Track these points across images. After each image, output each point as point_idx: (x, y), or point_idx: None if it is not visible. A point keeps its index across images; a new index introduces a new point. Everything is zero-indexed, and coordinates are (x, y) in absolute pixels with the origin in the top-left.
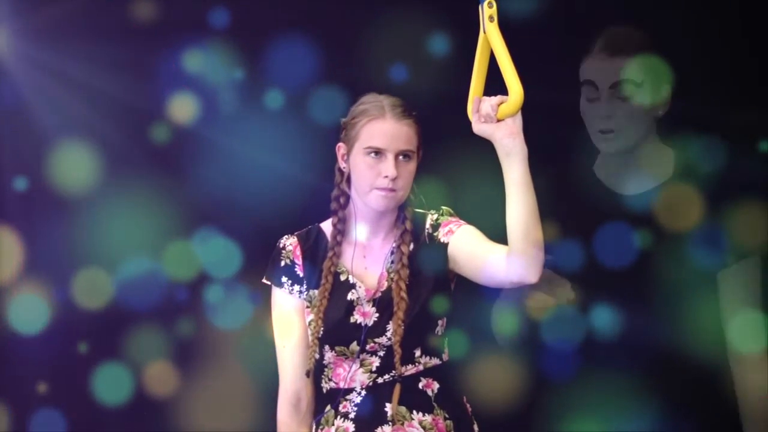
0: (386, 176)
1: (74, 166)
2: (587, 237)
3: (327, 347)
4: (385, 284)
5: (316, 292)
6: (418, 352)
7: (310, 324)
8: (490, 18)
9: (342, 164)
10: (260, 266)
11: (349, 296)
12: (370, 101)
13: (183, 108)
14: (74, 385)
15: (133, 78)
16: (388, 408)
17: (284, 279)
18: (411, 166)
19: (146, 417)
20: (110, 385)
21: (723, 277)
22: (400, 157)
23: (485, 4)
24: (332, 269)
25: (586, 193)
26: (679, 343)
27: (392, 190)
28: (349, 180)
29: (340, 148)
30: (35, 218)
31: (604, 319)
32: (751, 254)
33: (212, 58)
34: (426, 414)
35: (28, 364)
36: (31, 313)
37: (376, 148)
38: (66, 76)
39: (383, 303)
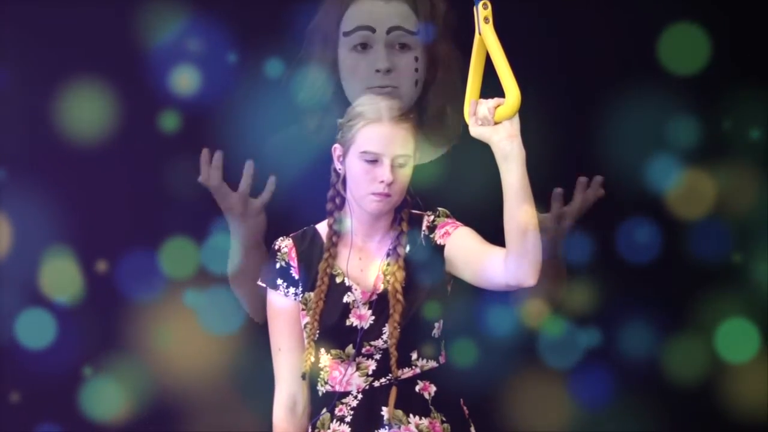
0: (382, 181)
1: (70, 156)
2: None
3: (323, 350)
4: (381, 286)
5: (312, 294)
6: (414, 355)
7: (305, 327)
8: (486, 19)
9: (338, 165)
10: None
11: (345, 299)
12: (367, 103)
13: (183, 83)
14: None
15: (126, 69)
16: (385, 411)
17: (279, 281)
18: (407, 170)
19: (144, 419)
20: (100, 395)
21: None
22: (396, 162)
23: (480, 5)
24: (328, 271)
25: None
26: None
27: (387, 195)
28: (344, 181)
29: (336, 150)
30: (25, 208)
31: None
32: None
33: (205, 48)
34: (423, 417)
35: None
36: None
37: (372, 153)
38: (58, 62)
39: (379, 305)
